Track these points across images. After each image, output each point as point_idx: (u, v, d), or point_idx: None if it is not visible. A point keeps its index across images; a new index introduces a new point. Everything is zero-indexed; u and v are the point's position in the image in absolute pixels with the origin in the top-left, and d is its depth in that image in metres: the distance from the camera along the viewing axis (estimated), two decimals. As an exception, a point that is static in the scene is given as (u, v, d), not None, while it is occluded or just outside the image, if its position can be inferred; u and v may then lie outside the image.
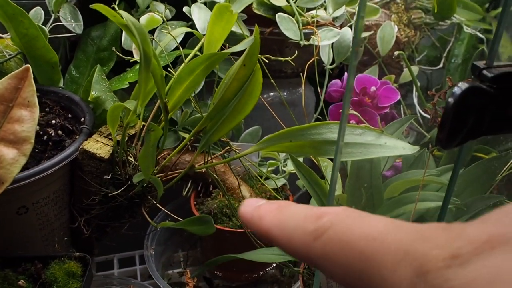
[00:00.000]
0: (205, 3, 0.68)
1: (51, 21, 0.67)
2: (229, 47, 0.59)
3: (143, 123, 0.58)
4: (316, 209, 0.20)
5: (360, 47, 0.82)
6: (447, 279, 0.15)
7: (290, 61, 0.65)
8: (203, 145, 0.55)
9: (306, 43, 0.68)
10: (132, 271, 0.80)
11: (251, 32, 0.68)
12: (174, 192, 0.72)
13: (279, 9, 0.69)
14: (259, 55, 0.49)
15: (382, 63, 0.82)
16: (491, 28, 0.90)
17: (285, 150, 0.51)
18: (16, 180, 0.49)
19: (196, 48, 0.61)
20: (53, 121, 0.61)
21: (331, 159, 0.56)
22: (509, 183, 0.65)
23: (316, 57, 0.68)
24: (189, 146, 0.66)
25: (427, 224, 0.17)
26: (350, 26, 0.74)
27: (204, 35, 0.61)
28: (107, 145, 0.57)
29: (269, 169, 0.73)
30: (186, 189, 0.75)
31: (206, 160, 0.62)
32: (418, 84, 0.77)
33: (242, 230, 0.65)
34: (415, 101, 0.82)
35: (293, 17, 0.69)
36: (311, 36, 0.69)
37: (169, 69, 0.61)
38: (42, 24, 0.64)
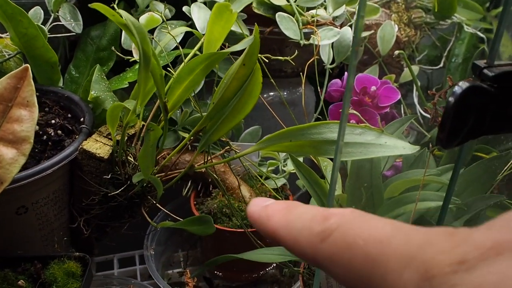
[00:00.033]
0: (204, 3, 0.68)
1: (50, 20, 0.66)
2: (228, 47, 0.59)
3: (142, 122, 0.58)
4: (323, 210, 0.20)
5: (360, 46, 0.81)
6: (453, 284, 0.15)
7: (290, 61, 0.65)
8: (202, 145, 0.55)
9: (306, 42, 0.68)
10: (132, 271, 0.80)
11: (251, 31, 0.68)
12: (174, 192, 0.72)
13: (279, 8, 0.69)
14: (259, 55, 0.49)
15: (383, 62, 0.82)
16: (491, 28, 0.90)
17: (285, 150, 0.51)
18: (16, 180, 0.49)
19: (196, 48, 0.61)
20: (53, 121, 0.61)
21: (331, 159, 0.56)
22: (510, 183, 0.65)
23: (316, 57, 0.68)
24: (189, 146, 0.66)
25: (433, 228, 0.17)
26: (350, 26, 0.74)
27: (203, 34, 0.61)
28: (107, 145, 0.57)
29: (269, 169, 0.73)
30: (186, 189, 0.75)
31: (205, 160, 0.62)
32: (419, 83, 0.76)
33: (242, 230, 0.65)
34: (416, 100, 0.81)
35: (293, 17, 0.69)
36: (311, 35, 0.69)
37: (168, 68, 0.61)
38: (41, 24, 0.64)
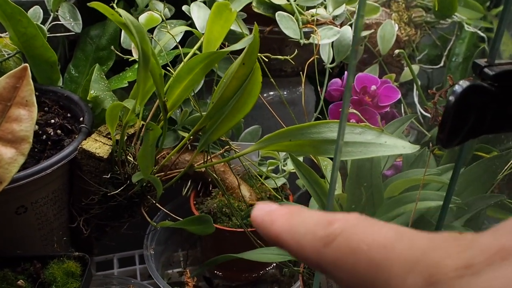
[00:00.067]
0: (204, 2, 0.68)
1: (50, 20, 0.66)
2: (228, 46, 0.59)
3: (142, 122, 0.58)
4: (327, 215, 0.20)
5: (361, 45, 0.81)
6: None
7: (290, 60, 0.65)
8: (202, 144, 0.55)
9: (306, 42, 0.68)
10: (131, 270, 0.80)
11: (250, 31, 0.67)
12: (173, 192, 0.72)
13: (279, 7, 0.69)
14: (259, 54, 0.48)
15: (383, 62, 0.82)
16: (492, 27, 0.90)
17: (284, 149, 0.50)
18: (15, 180, 0.49)
19: (196, 47, 0.61)
20: (52, 121, 0.61)
21: (331, 158, 0.56)
22: (510, 182, 0.64)
23: (316, 56, 0.67)
24: (189, 146, 0.66)
25: (438, 233, 0.17)
26: (350, 25, 0.74)
27: (203, 34, 0.61)
28: (106, 144, 0.57)
29: (269, 168, 0.73)
30: (186, 189, 0.74)
31: (205, 160, 0.62)
32: (419, 83, 0.76)
33: (242, 229, 0.65)
34: (416, 100, 0.81)
35: (293, 16, 0.69)
36: (311, 34, 0.68)
37: (168, 68, 0.61)
38: (40, 23, 0.64)
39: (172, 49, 0.67)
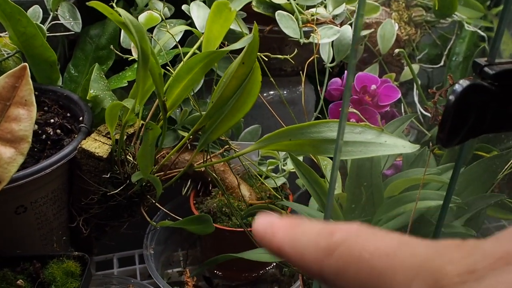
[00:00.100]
0: (204, 1, 0.68)
1: (49, 19, 0.66)
2: (228, 45, 0.59)
3: (142, 121, 0.58)
4: (329, 226, 0.20)
5: (361, 45, 0.81)
6: None
7: (290, 59, 0.65)
8: (202, 144, 0.55)
9: (306, 41, 0.68)
10: (131, 270, 0.80)
11: (250, 30, 0.67)
12: (173, 191, 0.72)
13: (278, 7, 0.69)
14: (258, 53, 0.48)
15: (383, 61, 0.81)
16: (492, 26, 0.89)
17: (284, 149, 0.50)
18: (14, 179, 0.49)
19: (195, 46, 0.61)
20: (52, 120, 0.61)
21: (331, 158, 0.56)
22: (511, 182, 0.64)
23: (316, 55, 0.67)
24: (189, 145, 0.66)
25: (441, 241, 0.17)
26: (350, 24, 0.74)
27: (203, 33, 0.61)
28: (106, 144, 0.57)
29: (268, 168, 0.73)
30: (186, 188, 0.74)
31: (205, 159, 0.62)
32: (419, 82, 0.76)
33: (242, 229, 0.65)
34: (416, 99, 0.81)
35: (293, 15, 0.68)
36: (311, 34, 0.68)
37: (168, 67, 0.61)
38: (40, 23, 0.64)
39: (172, 48, 0.66)
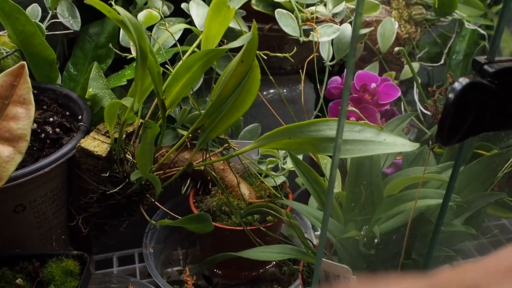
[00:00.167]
0: (203, -1, 0.68)
1: (48, 18, 0.66)
2: (227, 44, 0.59)
3: (141, 120, 0.58)
4: None
5: (360, 43, 0.81)
6: None
7: (290, 58, 0.65)
8: (201, 143, 0.54)
9: (306, 39, 0.67)
10: (131, 269, 0.80)
11: (250, 28, 0.67)
12: (173, 190, 0.72)
13: (278, 5, 0.68)
14: (258, 52, 0.48)
15: (383, 59, 0.81)
16: (492, 24, 0.89)
17: (284, 148, 0.50)
18: (13, 178, 0.49)
19: (194, 45, 0.60)
20: (51, 119, 0.61)
21: (331, 156, 0.56)
22: (510, 180, 0.64)
23: (316, 54, 0.67)
24: (188, 144, 0.66)
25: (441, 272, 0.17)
26: (350, 22, 0.74)
27: (202, 31, 0.61)
28: (105, 142, 0.56)
29: (268, 166, 0.73)
30: (185, 187, 0.74)
31: (204, 158, 0.61)
32: (419, 80, 0.76)
33: (241, 228, 0.65)
34: (416, 97, 0.81)
35: (293, 13, 0.68)
36: (311, 32, 0.68)
37: (167, 66, 0.61)
38: (39, 21, 0.64)
39: (171, 47, 0.66)
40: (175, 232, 0.82)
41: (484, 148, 0.68)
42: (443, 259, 0.57)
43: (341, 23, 0.73)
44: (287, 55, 0.65)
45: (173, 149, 0.58)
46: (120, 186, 0.56)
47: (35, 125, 0.59)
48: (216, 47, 0.53)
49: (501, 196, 0.56)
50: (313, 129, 0.47)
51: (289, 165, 0.72)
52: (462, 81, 0.31)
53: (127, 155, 0.57)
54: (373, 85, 0.70)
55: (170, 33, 0.61)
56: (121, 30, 0.68)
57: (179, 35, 0.65)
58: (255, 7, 0.68)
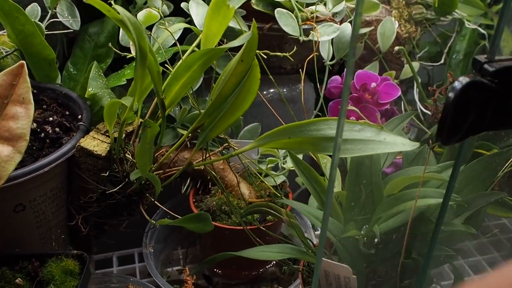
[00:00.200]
0: (203, -1, 0.68)
1: (47, 17, 0.66)
2: (227, 43, 0.59)
3: (140, 119, 0.58)
4: None
5: (360, 42, 0.81)
6: None
7: (289, 57, 0.64)
8: (201, 142, 0.54)
9: (306, 38, 0.67)
10: (131, 269, 0.80)
11: (249, 28, 0.67)
12: (173, 190, 0.72)
13: (278, 4, 0.68)
14: (258, 51, 0.48)
15: (383, 59, 0.81)
16: (493, 24, 0.89)
17: (283, 147, 0.50)
18: (13, 178, 0.49)
19: (194, 44, 0.60)
20: (51, 119, 0.61)
21: (331, 156, 0.56)
22: (511, 180, 0.64)
23: (316, 53, 0.67)
24: (188, 143, 0.66)
25: None
26: (350, 22, 0.74)
27: (202, 31, 0.61)
28: (104, 142, 0.56)
29: (268, 166, 0.72)
30: (185, 187, 0.74)
31: (204, 157, 0.61)
32: (419, 80, 0.76)
33: (241, 227, 0.65)
34: (416, 97, 0.81)
35: (293, 13, 0.68)
36: (311, 31, 0.68)
37: (166, 65, 0.61)
38: (39, 21, 0.64)
39: (171, 46, 0.66)
40: (175, 231, 0.82)
41: (484, 147, 0.68)
42: (443, 259, 0.57)
43: (341, 22, 0.73)
44: (287, 54, 0.65)
45: (172, 148, 0.58)
46: (120, 186, 0.56)
47: (34, 124, 0.59)
48: (215, 46, 0.53)
49: (501, 195, 0.56)
50: (313, 129, 0.47)
51: (289, 164, 0.71)
52: (462, 80, 0.31)
53: (126, 155, 0.57)
54: (373, 84, 0.70)
55: (170, 32, 0.61)
56: (121, 30, 0.68)
57: (178, 35, 0.65)
58: (255, 7, 0.68)
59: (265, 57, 0.61)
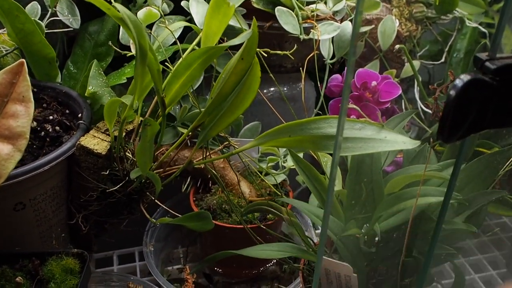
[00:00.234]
0: (203, -3, 0.67)
1: (48, 16, 0.66)
2: (227, 42, 0.59)
3: (141, 118, 0.58)
4: None
5: (361, 41, 0.81)
6: None
7: (290, 56, 0.64)
8: (201, 140, 0.54)
9: (306, 37, 0.67)
10: (131, 267, 0.80)
11: (250, 26, 0.67)
12: (173, 188, 0.72)
13: (278, 3, 0.68)
14: (258, 49, 0.48)
15: (383, 57, 0.81)
16: (493, 22, 0.89)
17: (284, 145, 0.50)
18: (13, 176, 0.49)
19: (194, 43, 0.60)
20: (51, 117, 0.61)
21: (331, 154, 0.55)
22: (512, 178, 0.64)
23: (316, 52, 0.67)
24: (188, 142, 0.66)
25: None
26: (351, 20, 0.73)
27: (202, 29, 0.61)
28: (105, 140, 0.56)
29: (269, 164, 0.72)
30: (185, 185, 0.74)
31: (204, 156, 0.61)
32: (420, 78, 0.76)
33: (242, 226, 0.65)
34: (417, 95, 0.81)
35: (293, 11, 0.68)
36: (311, 30, 0.68)
37: (166, 63, 0.61)
38: (38, 19, 0.64)
39: (171, 45, 0.66)
40: (176, 230, 0.82)
41: (485, 146, 0.68)
42: (444, 257, 0.57)
43: (341, 21, 0.73)
44: (287, 53, 0.64)
45: (173, 147, 0.58)
46: (120, 184, 0.56)
47: (34, 123, 0.59)
48: (216, 44, 0.53)
49: (502, 194, 0.56)
50: (313, 127, 0.47)
51: (290, 163, 0.71)
52: (463, 78, 0.31)
53: (127, 153, 0.57)
54: (374, 83, 0.70)
55: (170, 31, 0.61)
56: (121, 28, 0.67)
57: (179, 33, 0.65)
58: (255, 5, 0.68)
59: (266, 55, 0.61)
